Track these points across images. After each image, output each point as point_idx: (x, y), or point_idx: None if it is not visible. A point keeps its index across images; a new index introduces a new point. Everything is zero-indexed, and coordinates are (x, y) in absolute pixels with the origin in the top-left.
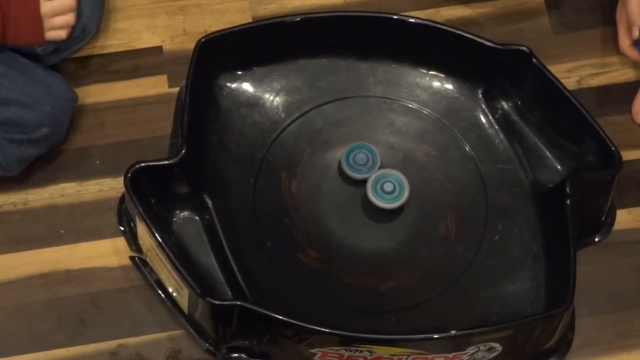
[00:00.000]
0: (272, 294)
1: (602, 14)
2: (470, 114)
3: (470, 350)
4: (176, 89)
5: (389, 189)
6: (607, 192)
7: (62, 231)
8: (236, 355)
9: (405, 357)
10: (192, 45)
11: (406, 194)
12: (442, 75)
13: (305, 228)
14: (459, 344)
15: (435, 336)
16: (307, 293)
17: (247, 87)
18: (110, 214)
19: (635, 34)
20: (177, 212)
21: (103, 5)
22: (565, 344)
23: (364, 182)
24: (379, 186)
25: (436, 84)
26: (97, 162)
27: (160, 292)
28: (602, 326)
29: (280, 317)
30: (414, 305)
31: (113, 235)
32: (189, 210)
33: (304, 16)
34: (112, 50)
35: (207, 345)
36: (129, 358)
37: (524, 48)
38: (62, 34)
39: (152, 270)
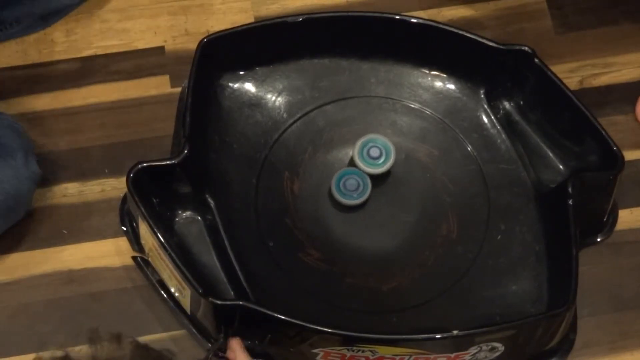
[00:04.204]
0: (274, 294)
1: (604, 14)
2: (472, 114)
3: (473, 350)
4: (178, 89)
5: (375, 154)
6: (609, 192)
7: (65, 231)
8: None
9: (407, 357)
10: (194, 46)
11: (392, 157)
12: (444, 76)
13: (307, 228)
14: (461, 344)
15: (437, 336)
16: (309, 293)
17: (249, 87)
18: (112, 214)
19: None
20: (179, 212)
21: None
22: (567, 344)
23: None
24: (365, 152)
25: (438, 84)
26: (99, 163)
27: (162, 292)
28: (603, 326)
29: (283, 317)
30: (416, 305)
31: (115, 235)
32: (191, 211)
33: (306, 16)
34: (114, 50)
35: (209, 345)
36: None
37: (526, 48)
38: None
39: (154, 271)
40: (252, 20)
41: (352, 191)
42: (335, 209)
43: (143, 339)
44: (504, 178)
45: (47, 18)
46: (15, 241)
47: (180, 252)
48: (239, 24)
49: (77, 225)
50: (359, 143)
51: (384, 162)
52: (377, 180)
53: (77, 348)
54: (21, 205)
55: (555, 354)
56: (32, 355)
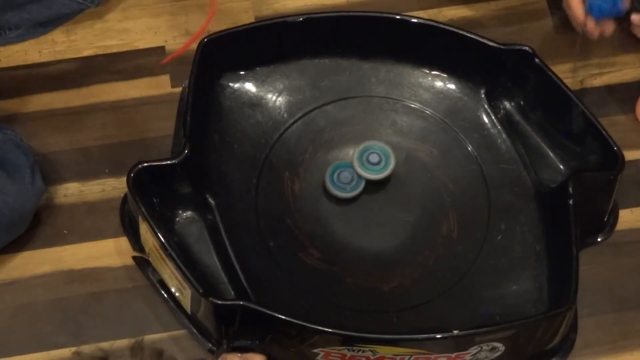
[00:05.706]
0: (274, 294)
1: None
2: (472, 114)
3: (473, 350)
4: (179, 89)
5: (375, 160)
6: (609, 192)
7: (65, 231)
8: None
9: (407, 356)
10: (194, 45)
11: (392, 164)
12: (445, 75)
13: (308, 228)
14: (461, 344)
15: (437, 336)
16: (310, 293)
17: (249, 87)
18: (113, 214)
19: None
20: (180, 212)
21: None
22: (567, 343)
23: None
24: (364, 158)
25: (439, 84)
26: (100, 163)
27: (162, 292)
28: (604, 326)
29: (283, 317)
30: (416, 305)
31: (116, 235)
32: (191, 210)
33: (306, 16)
34: (114, 50)
35: (210, 345)
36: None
37: (527, 48)
38: None
39: (154, 270)
40: (252, 20)
41: (345, 184)
42: (335, 208)
43: (143, 339)
44: (505, 178)
45: (46, 24)
46: (16, 241)
47: (181, 252)
48: (240, 24)
49: (78, 225)
50: (358, 150)
51: (384, 168)
52: (378, 180)
53: (116, 344)
54: (25, 220)
55: (556, 353)
56: (32, 356)
